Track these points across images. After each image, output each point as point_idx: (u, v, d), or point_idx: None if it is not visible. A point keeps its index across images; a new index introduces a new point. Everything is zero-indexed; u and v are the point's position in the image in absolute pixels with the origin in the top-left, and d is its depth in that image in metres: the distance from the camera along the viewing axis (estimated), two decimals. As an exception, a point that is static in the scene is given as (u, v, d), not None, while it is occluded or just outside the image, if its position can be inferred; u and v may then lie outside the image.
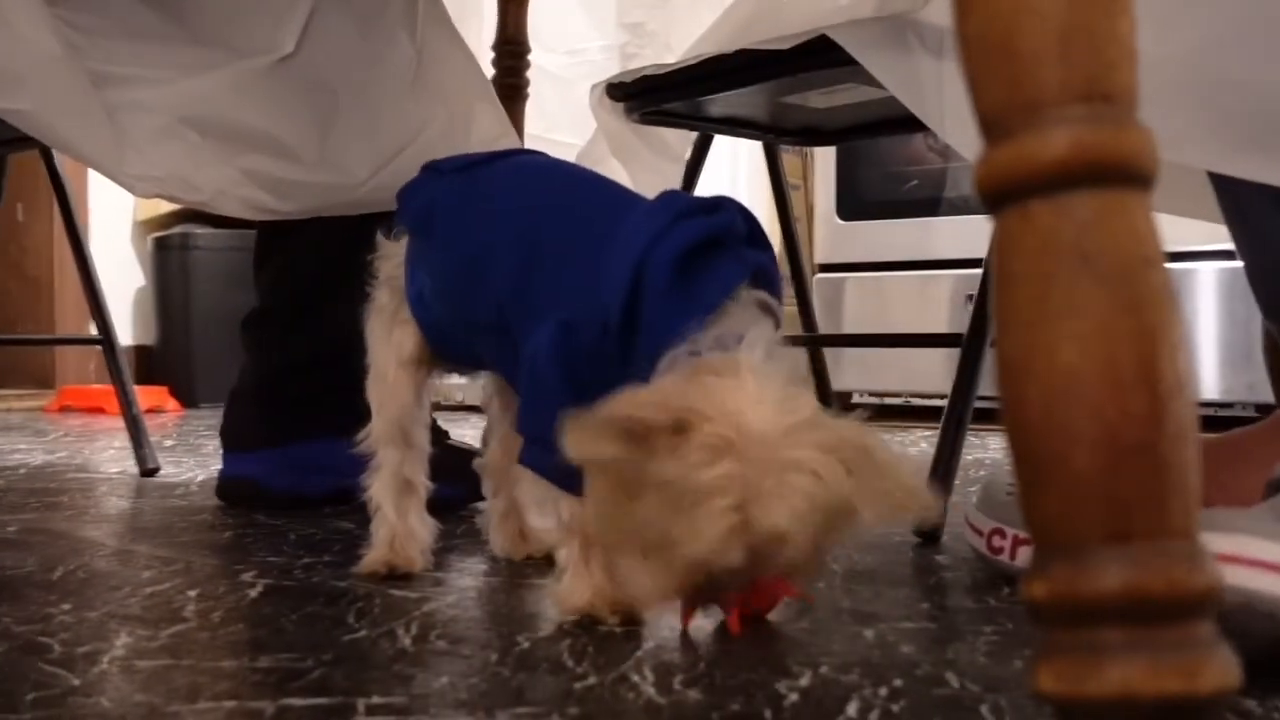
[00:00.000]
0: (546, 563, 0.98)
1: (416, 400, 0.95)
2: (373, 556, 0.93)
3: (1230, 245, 0.93)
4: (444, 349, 0.94)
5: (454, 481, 1.26)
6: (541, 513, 0.82)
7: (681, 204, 0.78)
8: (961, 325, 1.25)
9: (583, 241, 0.80)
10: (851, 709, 0.61)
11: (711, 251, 0.75)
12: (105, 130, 1.19)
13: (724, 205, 0.78)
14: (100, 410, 2.76)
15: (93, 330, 1.76)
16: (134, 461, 1.61)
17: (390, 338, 0.94)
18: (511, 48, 1.59)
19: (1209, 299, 2.19)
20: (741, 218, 0.78)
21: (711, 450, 0.64)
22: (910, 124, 1.17)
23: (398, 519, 0.94)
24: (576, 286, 0.78)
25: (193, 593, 0.88)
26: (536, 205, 0.87)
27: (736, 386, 0.67)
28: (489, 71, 1.51)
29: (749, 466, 0.64)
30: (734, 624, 0.75)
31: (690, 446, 0.64)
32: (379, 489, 0.95)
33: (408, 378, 0.94)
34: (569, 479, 0.76)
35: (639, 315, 0.74)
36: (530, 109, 1.63)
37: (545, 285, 0.81)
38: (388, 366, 0.94)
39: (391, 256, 0.95)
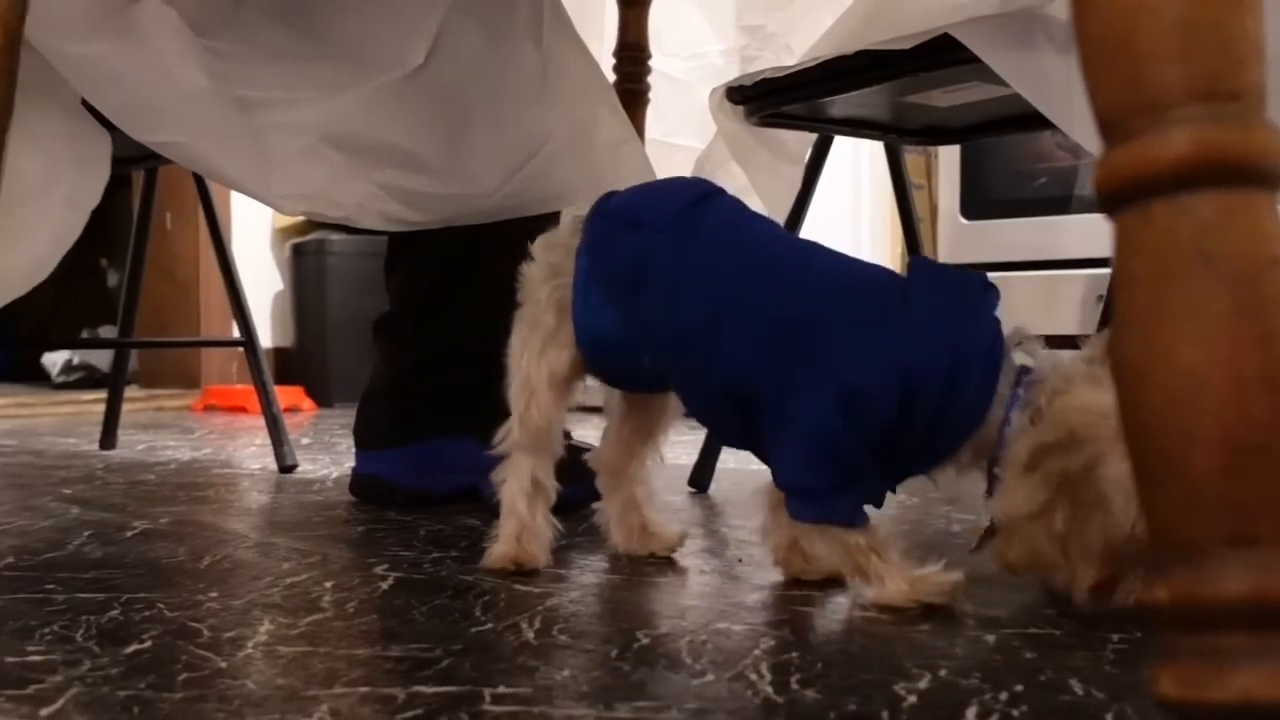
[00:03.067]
0: (666, 560, 1.00)
1: (560, 416, 0.98)
2: (500, 551, 0.96)
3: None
4: (610, 378, 0.99)
5: (577, 482, 1.28)
6: (809, 548, 0.90)
7: (972, 281, 0.86)
8: (1091, 326, 1.22)
9: (853, 309, 0.85)
10: (970, 713, 0.61)
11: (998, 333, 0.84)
12: (252, 155, 1.23)
13: (988, 281, 0.86)
14: (242, 409, 2.88)
15: (235, 333, 1.84)
16: (273, 458, 1.68)
17: (544, 355, 0.97)
18: (632, 53, 1.61)
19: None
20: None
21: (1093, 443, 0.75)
22: (1037, 121, 1.14)
23: (528, 515, 0.97)
24: (860, 354, 0.83)
25: (329, 584, 0.92)
26: (774, 270, 0.90)
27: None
28: (610, 77, 1.53)
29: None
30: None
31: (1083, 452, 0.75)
32: (512, 489, 0.98)
33: (556, 396, 0.97)
34: (851, 514, 0.84)
35: (954, 395, 0.81)
36: (651, 114, 1.64)
37: (810, 352, 0.84)
38: (539, 383, 0.97)
39: (557, 276, 0.97)
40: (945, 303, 0.84)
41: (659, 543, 1.02)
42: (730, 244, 0.92)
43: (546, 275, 0.98)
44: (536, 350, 0.97)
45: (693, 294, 0.90)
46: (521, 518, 0.97)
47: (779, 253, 0.92)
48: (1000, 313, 0.85)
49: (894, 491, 0.89)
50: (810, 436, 0.83)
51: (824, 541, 0.86)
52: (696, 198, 0.95)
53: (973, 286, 0.85)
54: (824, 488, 0.83)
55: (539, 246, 1.01)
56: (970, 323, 0.83)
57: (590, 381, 1.02)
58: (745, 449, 0.93)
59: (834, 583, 0.90)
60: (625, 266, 0.93)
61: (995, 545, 0.82)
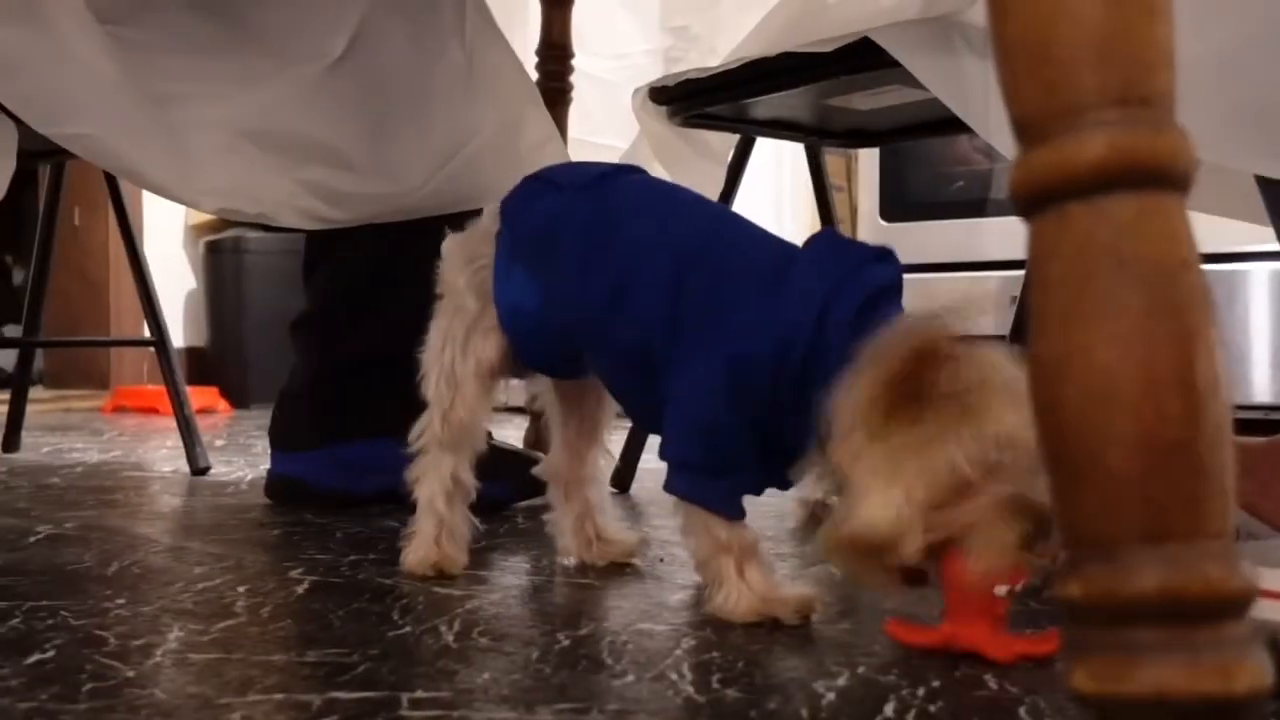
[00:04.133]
0: (619, 566, 0.98)
1: (486, 410, 0.95)
2: (419, 556, 0.94)
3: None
4: (535, 359, 0.95)
5: (498, 482, 1.27)
6: (686, 538, 0.83)
7: (857, 252, 0.81)
8: (1006, 327, 1.25)
9: (746, 279, 0.81)
10: (889, 709, 0.62)
11: (884, 299, 0.77)
12: (166, 150, 1.20)
13: (891, 256, 0.80)
14: (154, 410, 2.81)
15: (146, 332, 1.80)
16: (186, 461, 1.64)
17: (469, 345, 0.94)
18: (555, 52, 1.60)
19: (1261, 300, 2.16)
20: (900, 271, 0.81)
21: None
22: (955, 125, 1.16)
23: (447, 514, 0.95)
24: (743, 323, 0.79)
25: (243, 588, 0.90)
26: (682, 237, 0.86)
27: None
28: (533, 76, 1.52)
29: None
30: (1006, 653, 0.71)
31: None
32: (431, 487, 0.95)
33: (481, 388, 0.94)
34: (724, 502, 0.80)
35: (820, 360, 0.75)
36: (574, 112, 1.64)
37: (702, 320, 0.81)
38: (464, 375, 0.94)
39: (474, 261, 0.94)
40: (821, 272, 0.79)
41: (618, 550, 1.00)
42: (642, 209, 0.90)
43: (463, 262, 0.95)
44: (460, 340, 0.94)
45: (600, 257, 0.87)
46: (440, 516, 0.95)
47: (689, 221, 0.89)
48: (889, 285, 0.78)
49: (783, 487, 0.85)
50: (690, 407, 0.80)
51: (689, 526, 0.82)
52: (615, 169, 0.95)
53: (856, 256, 0.80)
54: (700, 464, 0.80)
55: (451, 241, 0.99)
56: (843, 293, 0.77)
57: (514, 381, 1.01)
58: (654, 428, 0.89)
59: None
60: (544, 224, 0.91)
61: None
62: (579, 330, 0.89)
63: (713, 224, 0.89)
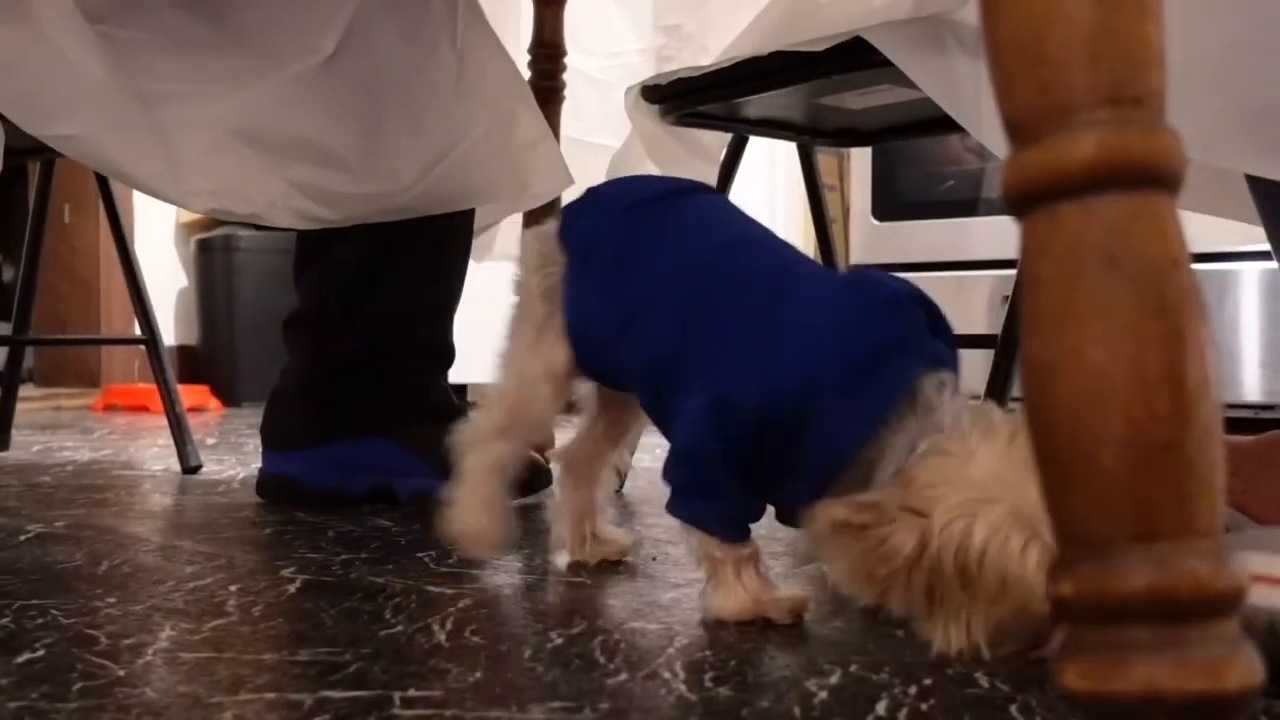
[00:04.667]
0: (612, 565, 0.98)
1: (555, 411, 0.94)
2: (456, 525, 0.93)
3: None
4: (595, 374, 0.94)
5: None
6: (691, 554, 0.83)
7: (862, 297, 0.77)
8: (998, 326, 1.25)
9: (744, 313, 0.80)
10: (881, 707, 0.62)
11: (892, 349, 0.74)
12: (156, 150, 1.19)
13: (902, 300, 0.77)
14: (144, 409, 2.80)
15: (137, 330, 1.79)
16: (177, 459, 1.64)
17: (538, 346, 0.92)
18: (547, 50, 1.60)
19: (1251, 300, 2.17)
20: (922, 308, 0.78)
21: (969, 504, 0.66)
22: (947, 125, 1.16)
23: (486, 487, 0.93)
24: (736, 364, 0.78)
25: (234, 587, 0.90)
26: (699, 266, 0.85)
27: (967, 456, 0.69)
28: (525, 74, 1.52)
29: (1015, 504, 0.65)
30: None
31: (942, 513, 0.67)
32: (473, 462, 0.94)
33: (552, 390, 0.93)
34: (718, 523, 0.80)
35: (811, 417, 0.74)
36: (566, 111, 1.64)
37: (700, 353, 0.80)
38: (535, 374, 0.92)
39: (547, 266, 0.93)
40: (828, 315, 0.76)
41: (612, 549, 0.99)
42: (672, 237, 0.89)
43: (538, 264, 0.94)
44: (530, 341, 0.93)
45: (619, 283, 0.87)
46: (479, 486, 0.93)
47: (728, 248, 0.87)
48: (902, 338, 0.74)
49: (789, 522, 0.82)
50: (683, 439, 0.80)
51: (688, 541, 0.82)
52: (671, 191, 0.93)
53: (875, 298, 0.76)
54: (693, 490, 0.80)
55: (529, 236, 0.98)
56: (852, 341, 0.74)
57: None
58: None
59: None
60: (576, 244, 0.91)
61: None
62: (604, 349, 0.90)
63: (731, 253, 0.86)
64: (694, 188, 0.95)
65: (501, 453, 0.94)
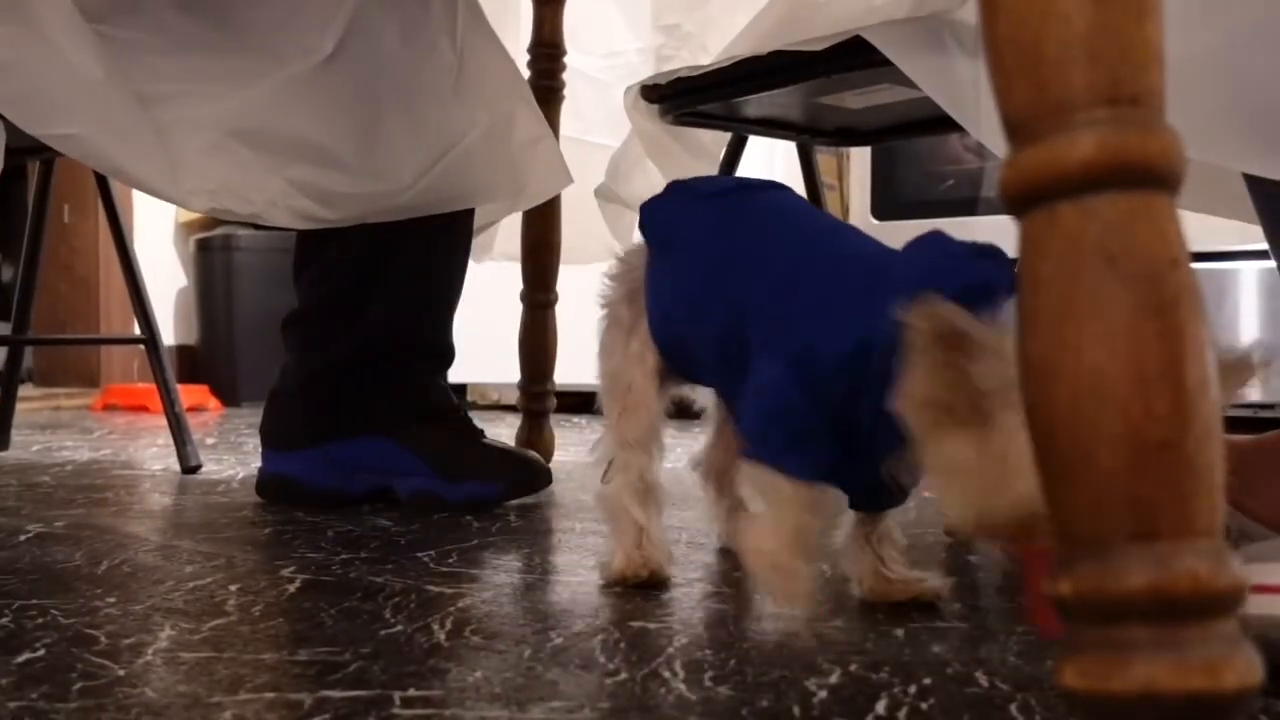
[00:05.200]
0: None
1: (661, 410, 0.94)
2: (622, 563, 0.91)
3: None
4: (679, 365, 0.93)
5: (489, 480, 1.27)
6: (758, 491, 0.81)
7: (955, 247, 0.78)
8: (997, 326, 1.25)
9: (844, 278, 0.80)
10: (881, 707, 0.62)
11: (981, 296, 0.71)
12: (156, 150, 1.19)
13: (996, 254, 0.76)
14: (144, 408, 2.80)
15: (137, 330, 1.79)
16: (176, 459, 1.64)
17: (629, 348, 0.93)
18: (547, 50, 1.60)
19: (1250, 299, 2.17)
20: (1009, 269, 0.75)
21: None
22: (947, 124, 1.16)
23: (644, 519, 0.92)
24: (831, 314, 0.78)
25: (234, 587, 0.90)
26: (776, 244, 0.86)
27: None
28: (525, 74, 1.52)
29: None
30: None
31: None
32: (621, 491, 0.92)
33: (653, 388, 0.93)
34: (795, 466, 0.77)
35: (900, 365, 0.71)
36: (566, 111, 1.64)
37: (795, 310, 0.80)
38: (633, 375, 0.92)
39: (630, 271, 0.94)
40: (909, 269, 0.76)
41: None
42: (759, 217, 0.89)
43: (622, 272, 0.95)
44: (622, 344, 0.93)
45: (704, 248, 0.88)
46: (638, 521, 0.92)
47: (807, 230, 0.88)
48: (985, 283, 0.71)
49: (879, 503, 0.84)
50: (765, 392, 0.79)
51: (759, 484, 0.80)
52: (748, 184, 0.95)
53: (954, 252, 0.77)
54: (779, 439, 0.79)
55: (619, 251, 0.99)
56: (944, 285, 0.70)
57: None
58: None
59: (906, 604, 0.85)
60: (658, 231, 0.92)
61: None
62: (683, 331, 0.89)
63: (832, 237, 0.87)
64: (769, 184, 0.95)
65: (638, 470, 0.92)
